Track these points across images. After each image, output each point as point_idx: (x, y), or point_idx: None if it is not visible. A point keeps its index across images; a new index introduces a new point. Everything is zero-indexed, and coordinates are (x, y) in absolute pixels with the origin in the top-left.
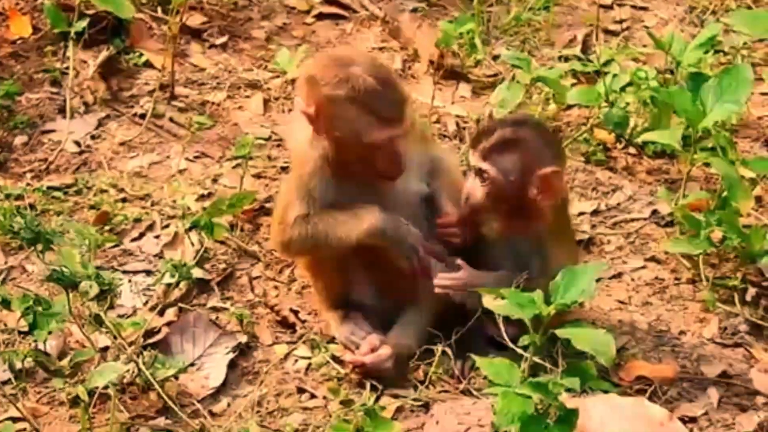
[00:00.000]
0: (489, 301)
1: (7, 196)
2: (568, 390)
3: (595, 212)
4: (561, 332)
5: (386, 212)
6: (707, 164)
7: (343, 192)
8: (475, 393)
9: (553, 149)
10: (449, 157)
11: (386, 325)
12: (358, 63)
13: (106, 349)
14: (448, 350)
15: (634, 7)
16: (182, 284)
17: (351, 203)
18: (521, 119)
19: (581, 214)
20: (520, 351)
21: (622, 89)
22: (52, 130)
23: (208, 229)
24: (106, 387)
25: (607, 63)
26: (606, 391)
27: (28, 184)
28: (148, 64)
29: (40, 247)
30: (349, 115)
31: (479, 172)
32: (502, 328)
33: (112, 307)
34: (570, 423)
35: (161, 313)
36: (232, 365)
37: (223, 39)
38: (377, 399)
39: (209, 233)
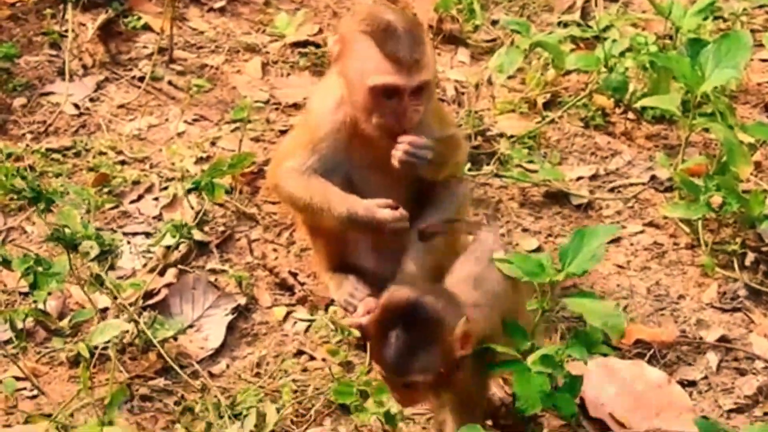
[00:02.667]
0: (498, 264)
1: (8, 156)
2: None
3: (594, 177)
4: (571, 303)
5: (365, 204)
6: (706, 130)
7: (349, 163)
8: None
9: (443, 298)
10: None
11: (383, 288)
12: (394, 12)
13: (105, 310)
14: None
15: None
16: (182, 246)
17: (353, 176)
18: (402, 302)
19: (579, 178)
20: None
21: (621, 54)
22: (51, 93)
23: (208, 190)
24: (105, 348)
25: (607, 28)
26: (605, 355)
27: (27, 146)
28: (146, 27)
29: (41, 206)
30: (361, 51)
31: (409, 386)
32: None
33: (112, 268)
34: (574, 390)
35: (161, 274)
36: (230, 327)
37: (222, 2)
38: None
39: (210, 194)
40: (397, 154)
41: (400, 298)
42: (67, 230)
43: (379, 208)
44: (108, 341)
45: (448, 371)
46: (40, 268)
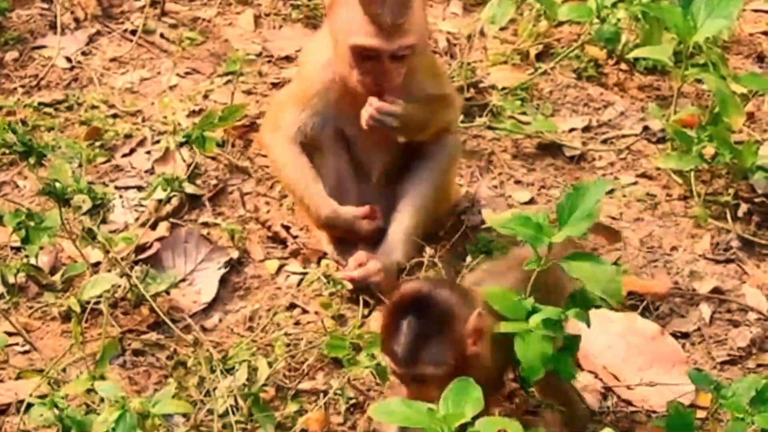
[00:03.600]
0: (493, 221)
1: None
2: None
3: (587, 128)
4: (570, 267)
5: (340, 212)
6: (699, 80)
7: (340, 118)
8: None
9: (458, 291)
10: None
11: (376, 242)
12: None
13: (97, 264)
14: (438, 262)
15: None
16: (173, 199)
17: (345, 130)
18: (414, 293)
19: (572, 130)
20: None
21: (614, 5)
22: (43, 46)
23: (199, 143)
24: (97, 302)
25: None
26: (598, 307)
27: (18, 100)
28: None
29: (32, 160)
30: (347, 8)
31: (419, 381)
32: None
33: (104, 222)
34: (573, 349)
35: (153, 227)
36: (223, 281)
37: None
38: (369, 314)
39: (201, 146)
40: (365, 115)
41: (412, 290)
42: (57, 184)
43: (358, 220)
44: (100, 295)
45: (459, 367)
46: (31, 223)
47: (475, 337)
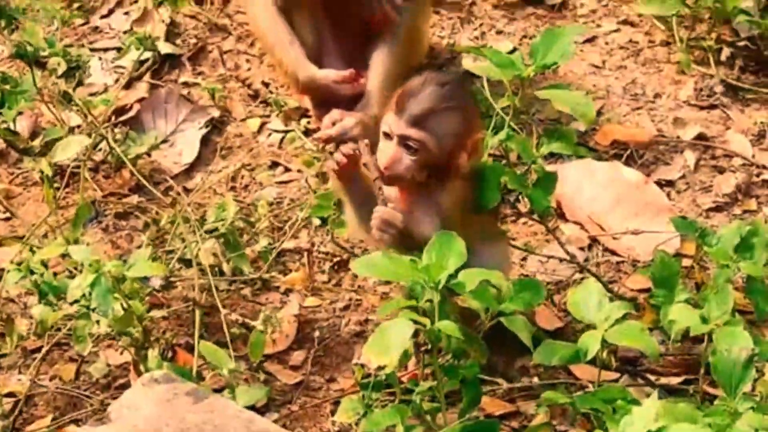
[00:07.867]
0: (468, 64)
1: None
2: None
3: None
4: (541, 93)
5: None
6: None
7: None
8: None
9: (478, 107)
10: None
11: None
12: None
13: (77, 128)
14: None
15: None
16: (152, 59)
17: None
18: (447, 79)
19: None
20: None
21: None
22: None
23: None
24: (77, 167)
25: None
26: (581, 156)
27: None
28: None
29: (3, 23)
30: None
31: (406, 141)
32: None
33: (81, 84)
34: (548, 187)
35: (127, 87)
36: (204, 141)
37: None
38: None
39: (173, 4)
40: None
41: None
42: (29, 47)
43: (337, 83)
44: (77, 159)
45: (443, 166)
46: (7, 86)
47: (470, 149)
